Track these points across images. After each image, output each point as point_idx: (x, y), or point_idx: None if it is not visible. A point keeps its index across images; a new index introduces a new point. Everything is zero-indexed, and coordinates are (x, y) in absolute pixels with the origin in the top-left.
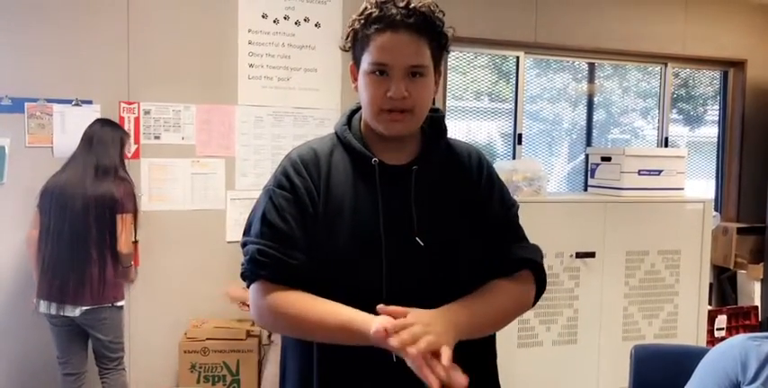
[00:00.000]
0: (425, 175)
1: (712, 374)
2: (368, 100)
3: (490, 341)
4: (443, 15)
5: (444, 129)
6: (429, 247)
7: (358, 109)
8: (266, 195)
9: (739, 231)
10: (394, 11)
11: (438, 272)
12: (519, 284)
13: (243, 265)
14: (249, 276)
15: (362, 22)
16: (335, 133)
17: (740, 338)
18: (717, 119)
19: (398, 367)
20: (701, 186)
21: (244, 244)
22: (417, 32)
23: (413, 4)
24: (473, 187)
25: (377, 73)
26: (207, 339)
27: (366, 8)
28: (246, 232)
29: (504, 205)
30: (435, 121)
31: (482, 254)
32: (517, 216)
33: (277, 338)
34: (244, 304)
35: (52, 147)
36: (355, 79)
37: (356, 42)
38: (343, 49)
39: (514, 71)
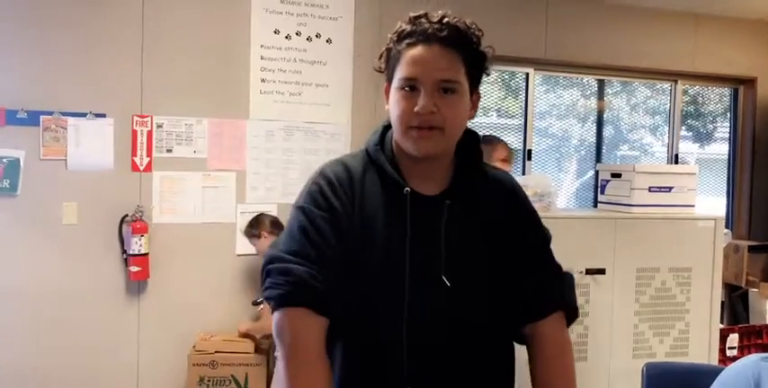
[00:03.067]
0: (457, 208)
1: None
2: (396, 116)
3: (510, 363)
4: (482, 34)
5: (479, 156)
6: (455, 287)
7: (390, 125)
8: (302, 214)
9: (750, 249)
10: (427, 25)
11: (461, 312)
12: (560, 334)
13: (272, 282)
14: (284, 296)
15: (395, 38)
16: (367, 152)
17: (753, 358)
18: (727, 136)
19: None
20: (711, 203)
21: (273, 260)
22: (450, 46)
23: (447, 19)
24: (508, 222)
25: (407, 88)
26: (216, 352)
27: (400, 26)
28: (274, 246)
29: (537, 239)
30: (470, 147)
31: (514, 291)
32: (550, 249)
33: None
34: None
35: (66, 160)
36: (389, 100)
37: (389, 60)
38: (378, 70)
39: (523, 87)
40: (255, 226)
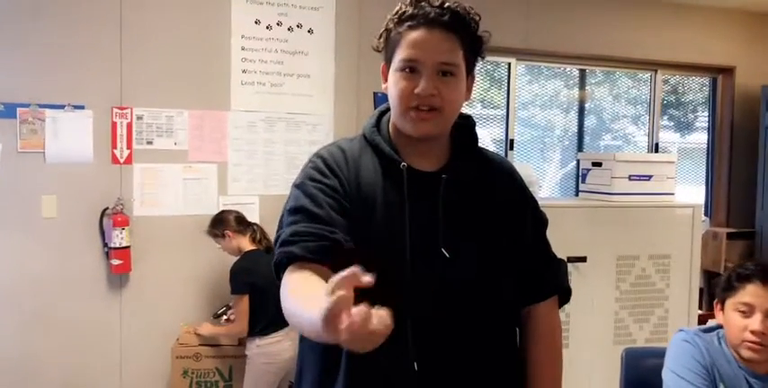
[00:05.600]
0: (455, 184)
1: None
2: (396, 97)
3: (515, 340)
4: (480, 18)
5: (475, 137)
6: (455, 259)
7: (387, 110)
8: (297, 188)
9: (729, 236)
10: (428, 9)
11: (461, 284)
12: (554, 316)
13: (275, 257)
14: (280, 261)
15: (396, 20)
16: (363, 135)
17: (690, 332)
18: (706, 125)
19: (421, 378)
20: (690, 191)
21: (276, 240)
22: (451, 30)
23: (448, 3)
24: (505, 202)
25: (407, 70)
26: (199, 344)
27: (400, 7)
28: (279, 227)
29: (536, 222)
30: (466, 129)
31: (513, 270)
32: (545, 233)
33: (250, 351)
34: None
35: (44, 153)
36: (386, 80)
37: (388, 41)
38: (376, 50)
39: (506, 77)
40: (218, 226)
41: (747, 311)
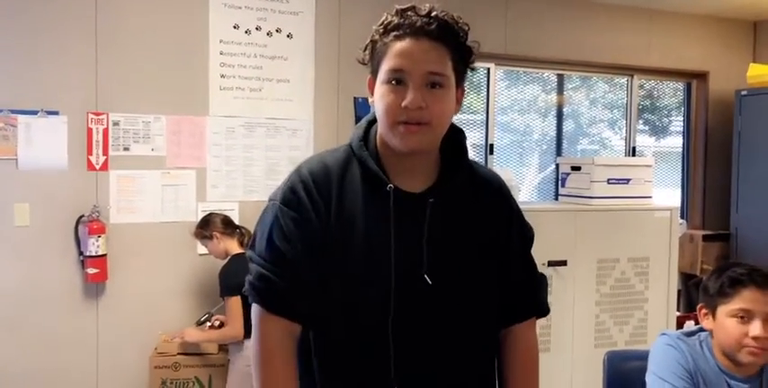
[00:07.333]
0: (442, 207)
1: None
2: (383, 111)
3: (493, 361)
4: (468, 28)
5: (465, 153)
6: (437, 286)
7: (376, 120)
8: (272, 211)
9: (705, 238)
10: (415, 18)
11: (445, 311)
12: (532, 335)
13: (251, 281)
14: (249, 296)
15: (381, 31)
16: (351, 147)
17: (672, 336)
18: (680, 129)
19: None
20: (666, 195)
21: (250, 259)
22: (438, 40)
23: (435, 12)
24: (492, 223)
25: (393, 82)
26: (178, 353)
27: (386, 18)
28: (252, 245)
29: (522, 241)
30: (456, 143)
31: (496, 294)
32: (531, 251)
33: (233, 356)
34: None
35: (17, 159)
36: (373, 93)
37: (374, 53)
38: (362, 62)
39: (485, 83)
40: (206, 227)
41: (745, 316)
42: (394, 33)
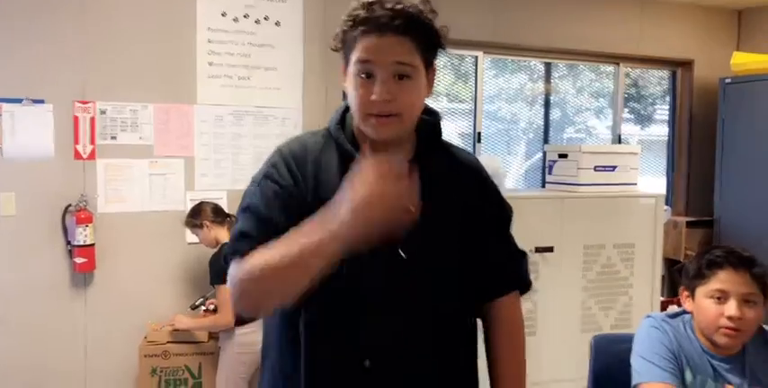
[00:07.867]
0: (417, 182)
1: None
2: (354, 104)
3: (473, 334)
4: (435, 15)
5: (439, 134)
6: (411, 260)
7: None
8: (253, 185)
9: (688, 224)
10: (380, 13)
11: (418, 286)
12: (516, 310)
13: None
14: (229, 255)
15: (350, 23)
16: (329, 130)
17: (657, 318)
18: (665, 117)
19: (373, 374)
20: (651, 182)
21: (232, 237)
22: (404, 34)
23: (400, 6)
24: (468, 200)
25: (363, 75)
26: (168, 342)
27: (354, 8)
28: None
29: (500, 217)
30: (430, 124)
31: (472, 271)
32: (509, 228)
33: (224, 342)
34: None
35: (1, 148)
36: (345, 80)
37: (345, 43)
38: (334, 50)
39: (472, 72)
40: (197, 216)
41: (722, 297)
42: (361, 28)
